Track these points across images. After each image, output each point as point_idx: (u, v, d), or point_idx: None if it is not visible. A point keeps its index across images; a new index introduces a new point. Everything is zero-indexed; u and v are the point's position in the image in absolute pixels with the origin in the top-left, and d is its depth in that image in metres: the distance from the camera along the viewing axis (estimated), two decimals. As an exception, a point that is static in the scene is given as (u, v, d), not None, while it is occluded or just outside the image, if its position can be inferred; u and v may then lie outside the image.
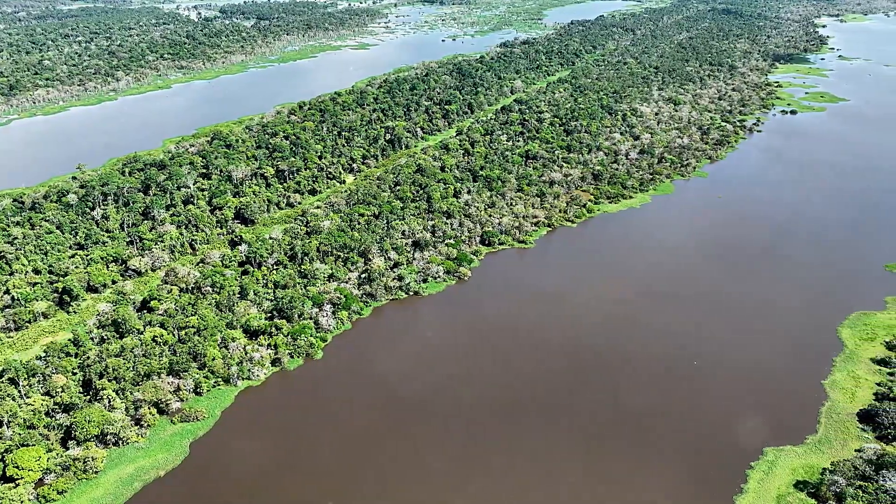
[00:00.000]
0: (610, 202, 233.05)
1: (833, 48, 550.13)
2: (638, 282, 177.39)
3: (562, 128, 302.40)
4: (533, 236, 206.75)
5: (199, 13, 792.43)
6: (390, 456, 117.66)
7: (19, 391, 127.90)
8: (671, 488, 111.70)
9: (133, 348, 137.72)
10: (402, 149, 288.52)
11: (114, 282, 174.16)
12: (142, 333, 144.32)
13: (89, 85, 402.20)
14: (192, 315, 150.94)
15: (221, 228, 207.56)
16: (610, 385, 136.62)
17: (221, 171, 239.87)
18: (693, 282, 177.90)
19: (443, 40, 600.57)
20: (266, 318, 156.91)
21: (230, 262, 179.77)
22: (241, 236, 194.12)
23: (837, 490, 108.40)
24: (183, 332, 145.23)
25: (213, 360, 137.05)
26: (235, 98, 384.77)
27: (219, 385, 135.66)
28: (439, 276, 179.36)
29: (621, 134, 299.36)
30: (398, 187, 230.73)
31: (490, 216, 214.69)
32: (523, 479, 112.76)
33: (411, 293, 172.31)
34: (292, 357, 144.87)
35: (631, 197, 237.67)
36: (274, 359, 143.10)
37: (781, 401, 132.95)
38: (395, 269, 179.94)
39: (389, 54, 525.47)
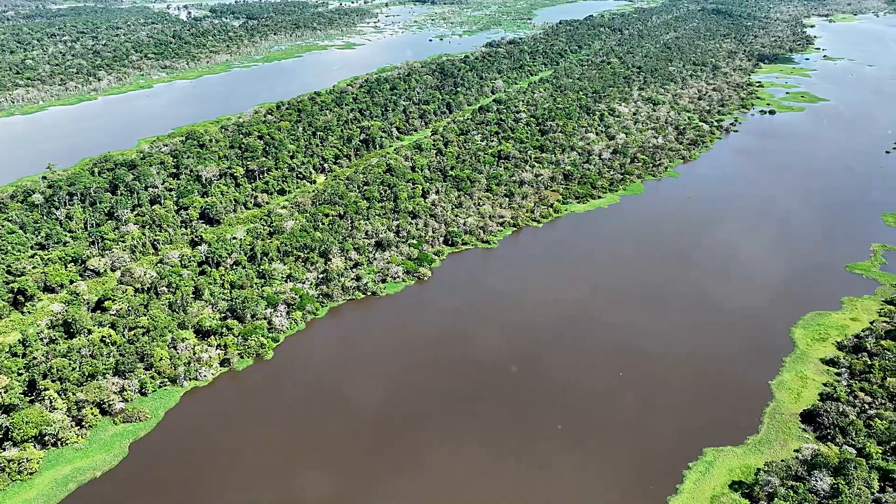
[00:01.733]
0: (578, 202, 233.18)
1: (819, 48, 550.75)
2: (596, 282, 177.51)
3: (537, 128, 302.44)
4: (497, 236, 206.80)
5: (190, 13, 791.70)
6: (331, 458, 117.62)
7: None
8: (606, 488, 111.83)
9: (80, 349, 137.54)
10: (376, 149, 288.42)
11: (72, 282, 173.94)
12: (91, 334, 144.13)
13: (70, 84, 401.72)
14: (142, 315, 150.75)
15: (186, 228, 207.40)
16: (556, 384, 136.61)
17: (191, 170, 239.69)
18: (651, 282, 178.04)
19: (430, 40, 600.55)
20: (220, 319, 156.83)
21: (189, 262, 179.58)
22: (201, 236, 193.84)
23: (770, 490, 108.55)
24: (132, 333, 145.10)
25: (161, 360, 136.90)
26: (216, 98, 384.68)
27: (165, 386, 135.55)
28: (398, 277, 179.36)
29: (596, 134, 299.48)
30: (367, 187, 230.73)
31: (456, 216, 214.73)
32: (463, 478, 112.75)
33: (369, 293, 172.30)
34: (242, 357, 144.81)
35: (600, 197, 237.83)
36: (223, 359, 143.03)
37: (727, 401, 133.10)
38: (355, 270, 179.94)
39: (375, 54, 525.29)
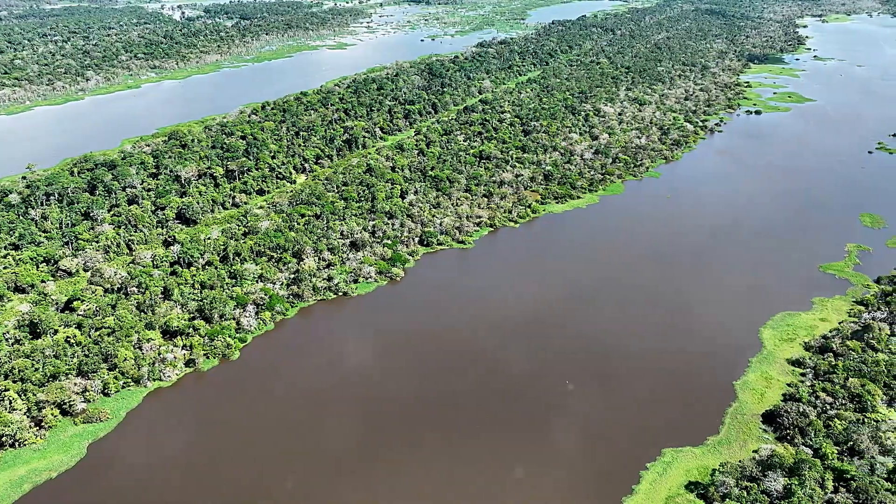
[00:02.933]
0: (557, 202, 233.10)
1: (810, 48, 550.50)
2: (568, 281, 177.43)
3: (521, 128, 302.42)
4: (474, 236, 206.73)
5: (184, 13, 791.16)
6: (292, 460, 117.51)
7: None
8: (563, 488, 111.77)
9: (44, 349, 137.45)
10: (359, 149, 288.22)
11: (43, 282, 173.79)
12: (56, 334, 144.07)
13: (58, 84, 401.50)
14: (109, 316, 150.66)
15: (162, 228, 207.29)
16: (520, 385, 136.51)
17: (170, 170, 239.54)
18: (623, 282, 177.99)
19: (422, 40, 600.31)
20: (189, 319, 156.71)
21: (161, 262, 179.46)
22: (174, 236, 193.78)
23: (725, 491, 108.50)
24: (97, 333, 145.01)
25: (125, 360, 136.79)
26: (203, 98, 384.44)
27: (129, 386, 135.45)
28: (370, 277, 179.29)
29: (580, 134, 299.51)
30: (345, 187, 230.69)
31: (433, 216, 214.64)
32: (420, 479, 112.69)
33: (340, 294, 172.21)
34: (208, 358, 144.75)
35: (579, 197, 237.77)
36: (188, 360, 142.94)
37: (690, 402, 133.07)
38: (327, 270, 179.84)
39: (366, 54, 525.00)
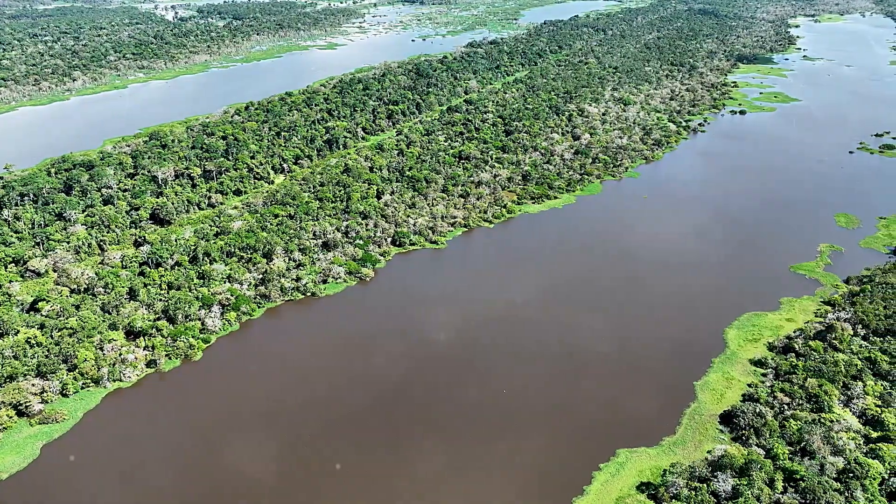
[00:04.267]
0: (533, 202, 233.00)
1: (800, 48, 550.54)
2: (536, 282, 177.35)
3: (503, 128, 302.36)
4: (447, 237, 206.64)
5: (177, 13, 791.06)
6: (247, 461, 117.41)
7: None
8: (514, 488, 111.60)
9: (3, 350, 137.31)
10: (340, 149, 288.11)
11: (11, 282, 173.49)
12: (17, 334, 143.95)
13: (44, 84, 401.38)
14: (72, 316, 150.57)
15: (135, 229, 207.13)
16: (479, 385, 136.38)
17: (147, 171, 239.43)
18: (592, 282, 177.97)
19: (413, 40, 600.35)
20: (154, 320, 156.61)
21: (130, 262, 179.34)
22: (144, 237, 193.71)
23: (675, 492, 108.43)
24: (59, 334, 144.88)
25: (85, 361, 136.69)
26: (189, 98, 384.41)
27: (88, 387, 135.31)
28: (340, 277, 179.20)
29: (561, 134, 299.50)
30: (321, 188, 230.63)
31: (407, 217, 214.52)
32: (372, 480, 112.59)
33: (308, 294, 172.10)
34: (170, 358, 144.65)
35: (556, 197, 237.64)
36: (150, 360, 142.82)
37: (649, 402, 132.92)
38: (297, 270, 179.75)
39: (356, 54, 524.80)
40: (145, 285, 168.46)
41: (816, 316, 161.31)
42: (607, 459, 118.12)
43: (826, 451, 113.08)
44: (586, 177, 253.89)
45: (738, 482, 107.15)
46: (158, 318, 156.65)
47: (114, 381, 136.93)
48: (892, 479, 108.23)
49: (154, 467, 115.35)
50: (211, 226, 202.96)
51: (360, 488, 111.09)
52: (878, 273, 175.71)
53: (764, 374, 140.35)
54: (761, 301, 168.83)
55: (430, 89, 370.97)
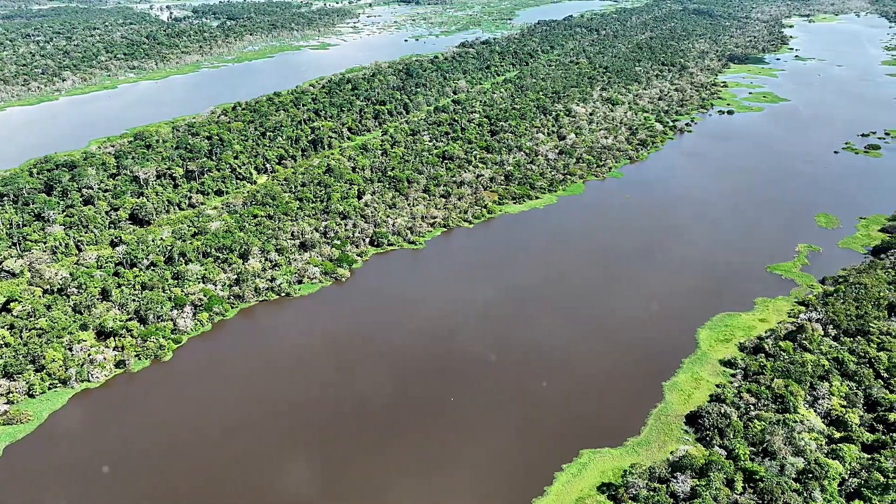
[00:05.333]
0: (515, 202, 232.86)
1: (792, 48, 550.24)
2: (512, 282, 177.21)
3: (489, 128, 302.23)
4: (426, 237, 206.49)
5: (171, 13, 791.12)
6: (211, 463, 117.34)
7: None
8: (474, 489, 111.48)
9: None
10: (325, 149, 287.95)
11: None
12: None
13: (33, 85, 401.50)
14: (42, 317, 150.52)
15: (114, 229, 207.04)
16: (447, 386, 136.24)
17: (129, 171, 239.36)
18: (568, 282, 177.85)
19: (405, 40, 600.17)
20: (127, 320, 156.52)
21: (105, 262, 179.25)
22: (120, 237, 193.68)
23: (635, 493, 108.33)
24: (28, 334, 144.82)
25: (53, 361, 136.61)
26: (177, 99, 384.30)
27: (55, 387, 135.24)
28: (315, 278, 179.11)
29: (547, 134, 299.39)
30: (303, 188, 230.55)
31: (387, 217, 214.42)
32: (336, 477, 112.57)
33: (282, 294, 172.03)
34: (139, 359, 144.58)
35: (538, 197, 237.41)
36: (119, 360, 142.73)
37: (616, 402, 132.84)
38: (273, 270, 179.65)
39: (347, 55, 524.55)
40: (119, 286, 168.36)
41: (790, 316, 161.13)
42: (570, 460, 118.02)
43: (787, 451, 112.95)
44: (569, 177, 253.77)
45: (697, 483, 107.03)
46: (131, 319, 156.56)
47: (81, 381, 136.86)
48: (851, 480, 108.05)
49: (116, 468, 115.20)
50: (189, 226, 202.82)
51: (323, 489, 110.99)
52: (852, 273, 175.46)
53: (733, 375, 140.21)
54: (736, 301, 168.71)
55: (419, 89, 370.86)
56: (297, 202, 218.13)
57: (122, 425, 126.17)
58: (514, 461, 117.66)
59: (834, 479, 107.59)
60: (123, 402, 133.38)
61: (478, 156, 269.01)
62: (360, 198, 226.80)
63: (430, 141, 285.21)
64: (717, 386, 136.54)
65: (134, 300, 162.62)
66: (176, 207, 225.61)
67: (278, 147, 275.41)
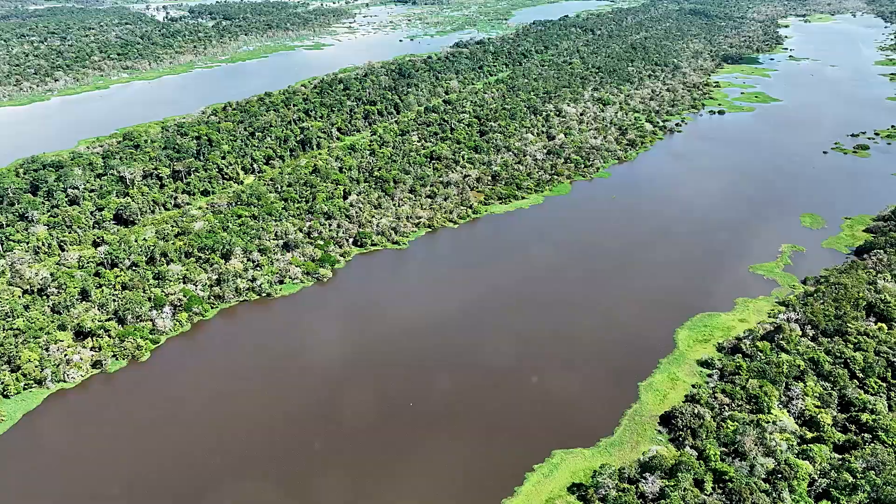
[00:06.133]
0: (501, 203, 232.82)
1: (787, 48, 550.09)
2: (492, 283, 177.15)
3: (479, 128, 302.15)
4: (410, 237, 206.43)
5: (168, 13, 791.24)
6: (184, 466, 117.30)
7: None
8: (446, 490, 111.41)
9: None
10: (314, 149, 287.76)
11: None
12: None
13: (25, 85, 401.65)
14: (20, 317, 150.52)
15: (98, 229, 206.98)
16: (422, 386, 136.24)
17: (116, 171, 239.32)
18: (549, 281, 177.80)
19: (400, 40, 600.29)
20: (106, 320, 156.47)
21: (87, 263, 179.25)
22: (102, 237, 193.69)
23: (604, 493, 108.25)
24: (3, 335, 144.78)
25: (28, 362, 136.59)
26: (169, 99, 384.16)
27: (30, 388, 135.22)
28: (297, 278, 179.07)
29: (536, 135, 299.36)
30: (289, 188, 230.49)
31: (372, 217, 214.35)
32: (305, 478, 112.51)
33: (263, 294, 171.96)
34: (116, 359, 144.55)
35: (524, 198, 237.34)
36: (96, 361, 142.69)
37: (590, 403, 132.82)
38: (255, 271, 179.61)
39: (342, 55, 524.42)
40: (100, 286, 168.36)
41: (769, 317, 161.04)
42: (542, 460, 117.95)
43: (758, 452, 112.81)
44: (556, 177, 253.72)
45: (666, 483, 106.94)
46: (110, 319, 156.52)
47: (57, 381, 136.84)
48: (821, 480, 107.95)
49: (88, 468, 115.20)
50: (173, 226, 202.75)
51: (292, 491, 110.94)
52: (833, 273, 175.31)
53: (709, 376, 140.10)
54: (717, 301, 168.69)
55: (410, 90, 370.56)
56: (283, 202, 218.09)
57: (96, 426, 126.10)
58: (487, 462, 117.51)
59: (803, 480, 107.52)
60: (98, 402, 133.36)
61: (466, 156, 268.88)
62: (345, 198, 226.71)
63: (418, 141, 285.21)
64: (693, 386, 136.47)
65: (114, 300, 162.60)
66: (161, 208, 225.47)
67: (267, 147, 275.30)
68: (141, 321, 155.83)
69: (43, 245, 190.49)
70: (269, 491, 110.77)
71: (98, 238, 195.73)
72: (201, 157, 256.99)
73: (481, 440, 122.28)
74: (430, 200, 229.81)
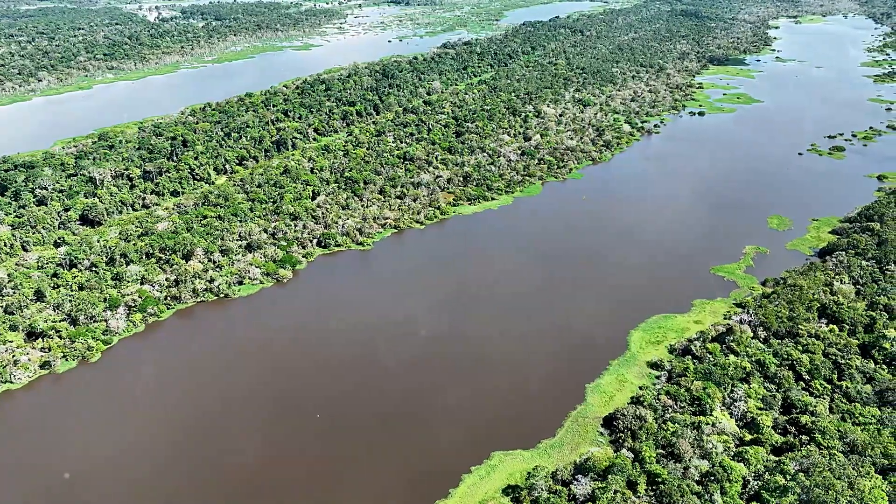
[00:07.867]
0: (469, 204, 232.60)
1: (774, 49, 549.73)
2: (453, 283, 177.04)
3: (455, 129, 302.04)
4: (375, 238, 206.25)
5: (159, 14, 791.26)
6: (128, 468, 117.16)
7: None
8: (380, 492, 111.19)
9: None
10: (289, 150, 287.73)
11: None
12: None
13: (7, 85, 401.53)
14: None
15: (63, 230, 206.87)
16: (367, 388, 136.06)
17: (87, 171, 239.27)
18: (508, 283, 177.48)
19: (389, 41, 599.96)
20: (60, 321, 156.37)
21: (46, 263, 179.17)
22: (63, 238, 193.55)
23: (537, 495, 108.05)
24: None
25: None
26: (151, 99, 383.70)
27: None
28: (256, 279, 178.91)
29: (512, 136, 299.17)
30: (259, 189, 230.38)
31: (339, 218, 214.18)
32: (242, 477, 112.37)
33: (221, 295, 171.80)
34: (66, 360, 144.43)
35: (493, 198, 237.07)
36: (45, 361, 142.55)
37: (535, 404, 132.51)
38: (216, 271, 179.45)
39: (329, 55, 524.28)
40: (56, 286, 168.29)
41: (725, 318, 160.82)
42: (481, 462, 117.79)
43: (693, 454, 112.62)
44: (528, 178, 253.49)
45: (597, 486, 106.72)
46: (63, 320, 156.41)
47: (3, 382, 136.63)
48: (754, 482, 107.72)
49: (28, 470, 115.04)
50: (137, 227, 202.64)
51: (233, 489, 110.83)
52: (792, 276, 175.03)
53: (657, 377, 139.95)
54: (674, 303, 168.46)
55: (392, 90, 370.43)
56: (249, 203, 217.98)
57: (40, 426, 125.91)
58: (426, 464, 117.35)
59: (736, 482, 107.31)
60: (44, 403, 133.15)
61: (440, 157, 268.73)
62: (313, 199, 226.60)
63: (394, 142, 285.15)
64: (640, 388, 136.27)
65: (69, 301, 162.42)
66: (129, 208, 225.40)
67: (241, 148, 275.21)
68: (94, 322, 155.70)
69: (4, 245, 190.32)
70: (214, 492, 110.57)
71: (60, 239, 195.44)
72: (174, 158, 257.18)
73: (423, 442, 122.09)
74: (399, 201, 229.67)
